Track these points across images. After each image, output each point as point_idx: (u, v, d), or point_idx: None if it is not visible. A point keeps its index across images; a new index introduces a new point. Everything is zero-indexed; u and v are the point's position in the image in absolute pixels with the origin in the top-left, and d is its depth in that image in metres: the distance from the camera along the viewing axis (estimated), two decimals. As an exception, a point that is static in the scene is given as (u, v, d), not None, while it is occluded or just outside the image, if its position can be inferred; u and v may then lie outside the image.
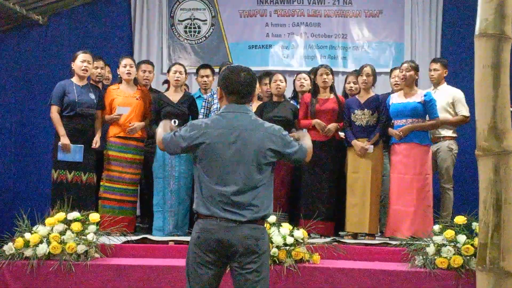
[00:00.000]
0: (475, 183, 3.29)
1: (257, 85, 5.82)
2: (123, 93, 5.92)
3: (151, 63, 6.54)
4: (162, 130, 3.19)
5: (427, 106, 5.55)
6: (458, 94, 6.15)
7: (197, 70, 6.62)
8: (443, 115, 5.92)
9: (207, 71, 6.45)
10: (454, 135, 6.16)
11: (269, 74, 6.47)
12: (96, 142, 5.68)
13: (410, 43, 7.91)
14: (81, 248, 4.78)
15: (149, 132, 5.99)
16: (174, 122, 5.56)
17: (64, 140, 5.53)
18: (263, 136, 2.97)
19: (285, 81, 6.16)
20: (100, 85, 6.22)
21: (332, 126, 5.77)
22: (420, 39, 7.90)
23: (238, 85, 3.02)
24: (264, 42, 8.09)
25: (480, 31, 3.11)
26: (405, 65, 5.69)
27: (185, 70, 6.11)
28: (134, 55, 7.86)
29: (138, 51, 8.06)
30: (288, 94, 6.57)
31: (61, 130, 5.56)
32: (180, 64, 6.10)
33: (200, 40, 8.17)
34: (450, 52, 7.67)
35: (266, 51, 8.06)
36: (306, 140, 3.19)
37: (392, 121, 5.70)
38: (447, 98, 6.08)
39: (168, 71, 6.09)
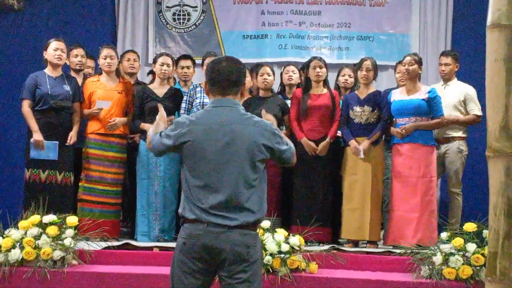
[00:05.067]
0: (486, 187, 3.28)
1: (248, 77, 5.88)
2: (103, 86, 5.88)
3: (136, 53, 6.54)
4: (154, 131, 3.16)
5: (431, 103, 5.52)
6: (470, 91, 6.10)
7: (177, 60, 6.46)
8: (454, 113, 5.93)
9: (188, 62, 6.39)
10: (464, 135, 6.12)
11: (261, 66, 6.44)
12: (70, 138, 5.64)
13: (417, 34, 7.90)
14: (58, 254, 4.77)
15: (131, 128, 5.97)
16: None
17: (37, 136, 5.49)
18: (254, 130, 2.96)
19: (273, 74, 6.10)
20: (81, 75, 6.20)
21: (323, 146, 5.70)
22: (429, 30, 7.89)
23: (219, 75, 3.00)
24: (259, 32, 8.07)
25: (492, 22, 3.09)
26: (408, 58, 5.65)
27: (173, 62, 6.07)
28: (118, 44, 7.86)
29: (122, 40, 8.05)
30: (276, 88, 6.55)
31: (34, 126, 5.52)
32: (167, 55, 6.07)
33: (190, 29, 8.15)
34: (461, 44, 7.64)
35: (262, 41, 8.05)
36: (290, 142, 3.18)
37: (394, 120, 5.69)
38: (459, 96, 6.05)
39: (154, 62, 6.04)
